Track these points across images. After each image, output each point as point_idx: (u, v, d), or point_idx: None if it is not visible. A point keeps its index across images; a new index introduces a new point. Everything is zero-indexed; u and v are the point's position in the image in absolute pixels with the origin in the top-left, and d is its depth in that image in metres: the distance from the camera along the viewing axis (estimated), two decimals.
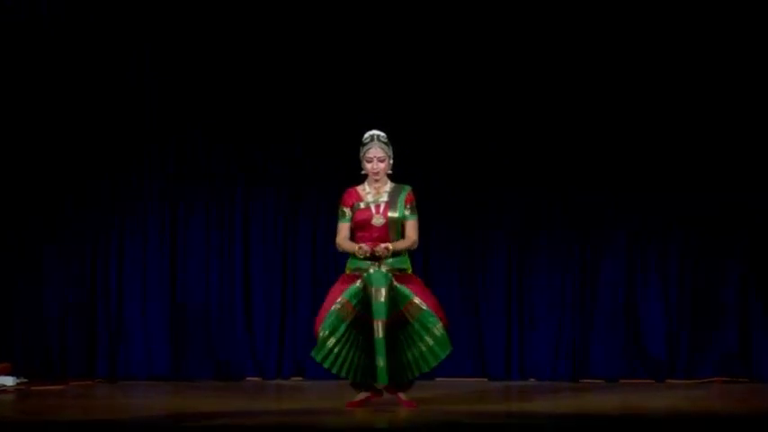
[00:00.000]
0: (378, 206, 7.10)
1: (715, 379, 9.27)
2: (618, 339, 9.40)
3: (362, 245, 6.99)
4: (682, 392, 8.49)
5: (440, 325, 6.89)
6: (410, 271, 7.12)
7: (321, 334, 6.87)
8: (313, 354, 6.93)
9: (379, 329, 6.75)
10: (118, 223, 9.54)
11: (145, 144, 9.50)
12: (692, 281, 9.42)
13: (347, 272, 7.11)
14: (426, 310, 6.90)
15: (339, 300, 6.91)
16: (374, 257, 6.95)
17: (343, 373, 6.89)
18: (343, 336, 6.83)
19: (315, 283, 9.39)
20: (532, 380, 9.39)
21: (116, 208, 9.53)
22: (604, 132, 9.45)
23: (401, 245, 7.06)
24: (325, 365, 6.90)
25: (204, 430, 6.13)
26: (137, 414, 6.85)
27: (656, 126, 9.42)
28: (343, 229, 7.17)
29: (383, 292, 6.80)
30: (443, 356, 6.92)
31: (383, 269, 6.93)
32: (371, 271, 6.91)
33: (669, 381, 9.28)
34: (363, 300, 6.84)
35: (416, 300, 6.92)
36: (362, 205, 7.13)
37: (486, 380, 9.35)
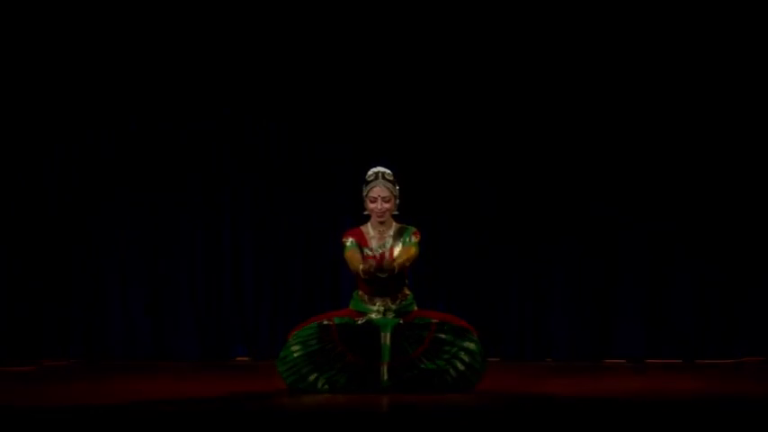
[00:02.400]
0: (383, 255, 6.66)
1: (749, 358, 9.02)
2: (642, 315, 9.13)
3: (369, 262, 6.57)
4: (713, 373, 8.20)
5: (471, 335, 6.56)
6: (415, 308, 6.74)
7: (291, 339, 6.59)
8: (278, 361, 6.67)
9: (384, 373, 6.49)
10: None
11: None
12: (722, 248, 9.11)
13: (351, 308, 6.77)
14: (450, 324, 6.58)
15: (327, 321, 6.58)
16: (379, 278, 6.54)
17: (288, 381, 6.58)
18: (311, 355, 6.52)
19: (308, 256, 9.25)
20: (549, 360, 9.20)
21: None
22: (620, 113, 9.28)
23: (401, 258, 6.61)
24: (280, 369, 6.60)
25: (196, 415, 5.72)
26: (117, 399, 6.37)
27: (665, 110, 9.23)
28: (353, 255, 6.65)
29: (388, 336, 6.50)
30: (483, 370, 6.61)
31: (389, 315, 6.58)
32: (374, 317, 6.58)
33: (699, 361, 9.04)
34: (354, 338, 6.52)
35: (435, 320, 6.58)
36: (368, 252, 6.67)
37: (499, 359, 9.06)
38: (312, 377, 6.51)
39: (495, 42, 9.23)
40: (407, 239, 6.65)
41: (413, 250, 6.62)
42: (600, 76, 9.19)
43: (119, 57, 9.15)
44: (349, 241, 6.67)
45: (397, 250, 6.63)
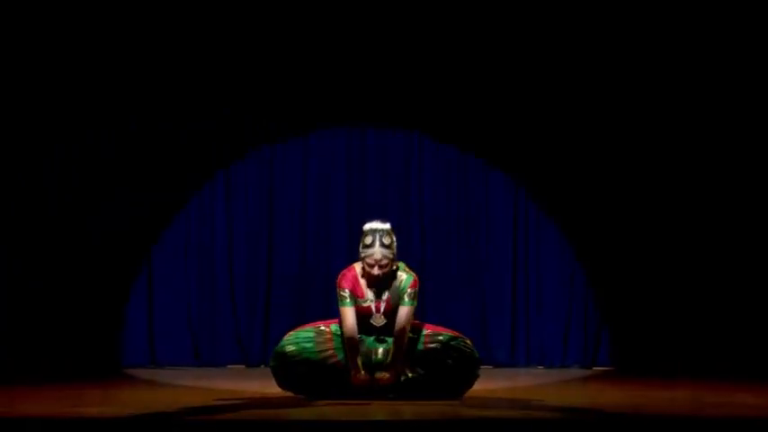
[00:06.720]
0: (378, 304, 6.48)
1: None
2: None
3: (361, 375, 6.44)
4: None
5: (464, 341, 6.57)
6: None
7: (286, 339, 6.56)
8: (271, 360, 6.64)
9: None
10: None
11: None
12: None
13: None
14: (442, 333, 6.57)
15: (324, 327, 6.55)
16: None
17: (280, 381, 6.57)
18: (305, 356, 6.48)
19: (302, 262, 9.24)
20: (540, 367, 9.15)
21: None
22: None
23: (397, 354, 6.46)
24: (272, 366, 6.58)
25: (187, 426, 5.66)
26: (105, 408, 6.25)
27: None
28: (348, 314, 6.42)
29: (380, 351, 6.47)
30: (474, 377, 6.62)
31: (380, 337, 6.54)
32: (370, 337, 6.51)
33: None
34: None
35: (428, 331, 6.56)
36: (363, 303, 6.48)
37: (490, 367, 8.99)
38: (304, 379, 6.48)
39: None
40: (405, 297, 6.43)
41: (407, 321, 6.41)
42: None
43: (119, 56, 9.10)
44: (348, 296, 6.43)
45: (392, 301, 6.43)
